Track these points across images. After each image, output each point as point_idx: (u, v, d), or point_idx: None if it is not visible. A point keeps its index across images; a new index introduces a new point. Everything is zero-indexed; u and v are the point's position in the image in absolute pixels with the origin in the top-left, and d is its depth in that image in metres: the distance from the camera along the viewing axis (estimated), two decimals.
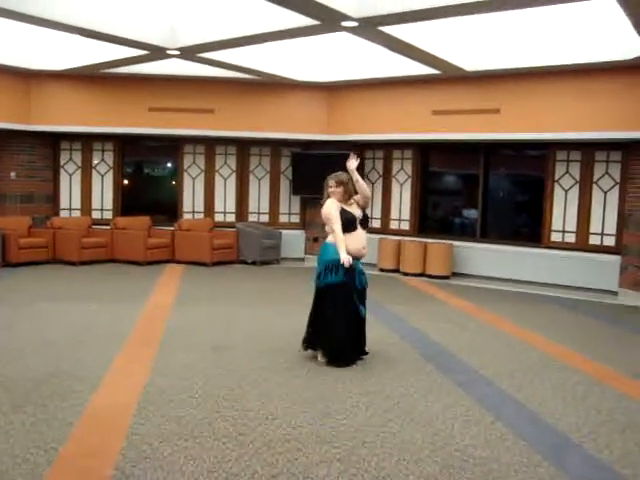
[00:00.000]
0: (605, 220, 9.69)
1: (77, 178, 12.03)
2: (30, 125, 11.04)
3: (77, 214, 12.00)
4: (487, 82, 9.67)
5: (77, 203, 12.07)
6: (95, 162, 12.08)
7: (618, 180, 9.53)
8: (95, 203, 12.12)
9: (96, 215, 12.05)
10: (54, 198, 11.96)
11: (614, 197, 9.58)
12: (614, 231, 9.60)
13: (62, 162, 11.99)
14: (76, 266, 10.58)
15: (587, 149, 9.74)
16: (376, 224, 11.46)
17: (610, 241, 9.65)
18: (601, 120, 8.86)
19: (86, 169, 12.03)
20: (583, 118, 8.98)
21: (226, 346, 5.77)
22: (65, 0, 7.34)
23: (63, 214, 11.96)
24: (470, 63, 9.13)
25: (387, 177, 11.62)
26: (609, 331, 7.16)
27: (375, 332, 6.23)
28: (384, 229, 11.62)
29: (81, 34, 8.02)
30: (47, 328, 6.30)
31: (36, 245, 10.64)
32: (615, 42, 7.98)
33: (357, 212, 5.30)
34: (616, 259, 9.41)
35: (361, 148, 11.28)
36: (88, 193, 12.08)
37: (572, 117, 9.06)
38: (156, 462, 3.35)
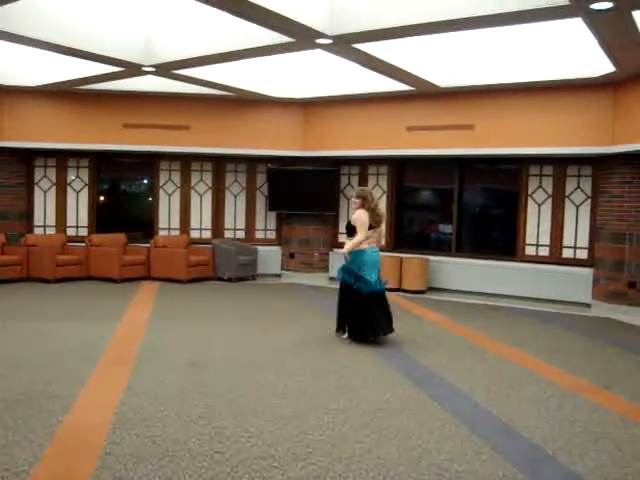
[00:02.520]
0: (577, 233, 9.85)
1: (52, 195, 11.91)
2: (3, 141, 10.92)
3: (52, 231, 11.86)
4: (461, 99, 9.82)
5: (52, 220, 11.94)
6: (70, 179, 11.97)
7: (589, 194, 9.71)
8: (70, 220, 12.00)
9: (71, 232, 11.92)
10: (28, 215, 11.81)
11: (586, 211, 9.75)
12: (586, 244, 9.75)
13: (36, 179, 11.86)
14: (51, 284, 10.45)
15: (559, 164, 9.91)
16: None
17: (583, 254, 9.80)
18: (571, 136, 9.04)
19: (61, 186, 11.92)
20: (554, 133, 9.15)
21: (202, 364, 5.73)
22: (40, 16, 7.30)
23: (37, 231, 11.80)
24: (443, 80, 9.26)
25: None
26: (582, 343, 7.25)
27: (350, 348, 6.35)
28: None
29: (56, 51, 7.99)
30: (20, 347, 6.20)
31: (10, 263, 10.48)
32: (583, 60, 8.17)
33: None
34: (589, 272, 9.55)
35: (337, 164, 11.38)
36: (63, 210, 11.95)
37: (544, 132, 9.23)
38: None
